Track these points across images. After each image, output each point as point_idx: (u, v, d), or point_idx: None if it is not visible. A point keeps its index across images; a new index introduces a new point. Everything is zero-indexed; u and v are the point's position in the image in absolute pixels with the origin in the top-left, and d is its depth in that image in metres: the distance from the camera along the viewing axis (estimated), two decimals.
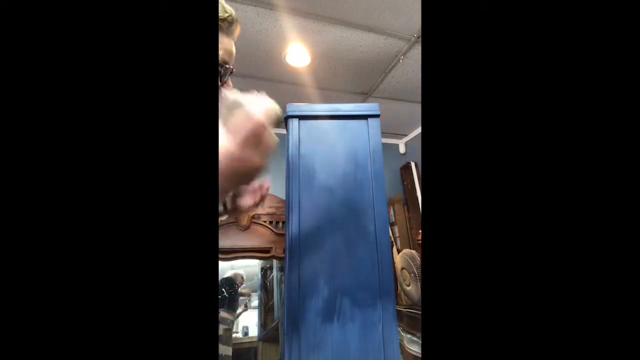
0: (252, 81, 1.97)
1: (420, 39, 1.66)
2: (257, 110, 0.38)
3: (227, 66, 0.59)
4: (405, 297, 2.03)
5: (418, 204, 2.62)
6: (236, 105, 0.37)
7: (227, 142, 0.38)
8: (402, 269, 2.00)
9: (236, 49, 0.66)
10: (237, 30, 0.59)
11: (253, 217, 2.00)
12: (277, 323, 1.85)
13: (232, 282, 2.64)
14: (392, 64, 1.87)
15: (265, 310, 2.20)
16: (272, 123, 0.39)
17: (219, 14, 0.55)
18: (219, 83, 0.58)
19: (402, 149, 3.04)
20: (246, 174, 0.40)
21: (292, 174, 0.90)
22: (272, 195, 2.08)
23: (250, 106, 0.38)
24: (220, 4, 0.55)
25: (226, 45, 0.59)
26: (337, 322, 0.78)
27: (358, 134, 0.95)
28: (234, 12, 0.57)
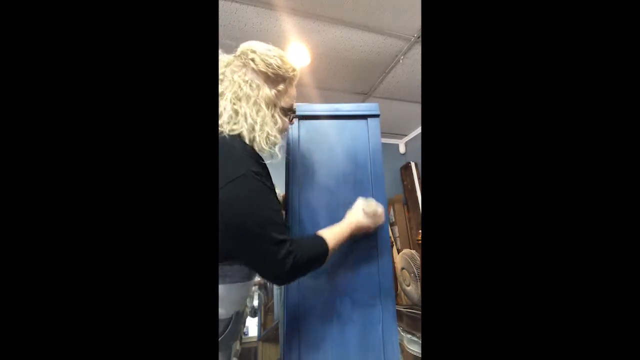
0: None
1: (420, 39, 1.66)
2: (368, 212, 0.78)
3: (294, 108, 0.77)
4: (405, 297, 2.03)
5: (418, 204, 2.62)
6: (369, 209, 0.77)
7: (363, 218, 0.77)
8: (402, 269, 2.00)
9: (236, 49, 0.72)
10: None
11: None
12: (277, 323, 1.85)
13: None
14: (392, 64, 1.87)
15: (265, 311, 2.20)
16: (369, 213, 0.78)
17: (294, 70, 0.71)
18: (290, 122, 0.77)
19: (402, 149, 3.04)
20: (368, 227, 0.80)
21: (292, 174, 0.90)
22: None
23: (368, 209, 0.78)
24: (289, 62, 0.71)
25: (294, 93, 0.75)
26: (336, 322, 0.78)
27: (358, 134, 0.95)
28: (295, 65, 0.73)
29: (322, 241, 0.67)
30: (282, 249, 0.58)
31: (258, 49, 0.69)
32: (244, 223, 0.56)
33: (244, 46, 0.70)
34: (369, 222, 0.77)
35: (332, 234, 0.70)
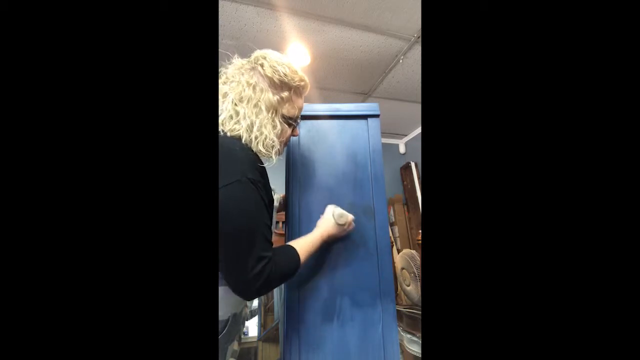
0: None
1: (420, 39, 1.66)
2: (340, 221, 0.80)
3: (299, 121, 0.79)
4: (405, 297, 2.03)
5: (418, 204, 2.62)
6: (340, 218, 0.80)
7: (334, 229, 0.79)
8: (402, 269, 2.00)
9: (237, 49, 0.73)
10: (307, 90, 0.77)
11: None
12: (277, 323, 1.85)
13: None
14: (392, 64, 1.87)
15: (265, 310, 2.20)
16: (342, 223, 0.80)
17: (302, 81, 0.73)
18: (293, 133, 0.78)
19: (402, 149, 3.04)
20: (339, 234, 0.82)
21: (292, 173, 0.90)
22: None
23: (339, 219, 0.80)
24: (299, 73, 0.72)
25: (301, 105, 0.76)
26: (336, 322, 0.78)
27: (358, 134, 0.95)
28: (306, 78, 0.74)
29: (296, 256, 0.67)
30: (259, 265, 0.56)
31: (269, 55, 0.71)
32: (229, 230, 0.55)
33: (258, 52, 0.72)
34: (340, 230, 0.80)
35: (306, 246, 0.71)
